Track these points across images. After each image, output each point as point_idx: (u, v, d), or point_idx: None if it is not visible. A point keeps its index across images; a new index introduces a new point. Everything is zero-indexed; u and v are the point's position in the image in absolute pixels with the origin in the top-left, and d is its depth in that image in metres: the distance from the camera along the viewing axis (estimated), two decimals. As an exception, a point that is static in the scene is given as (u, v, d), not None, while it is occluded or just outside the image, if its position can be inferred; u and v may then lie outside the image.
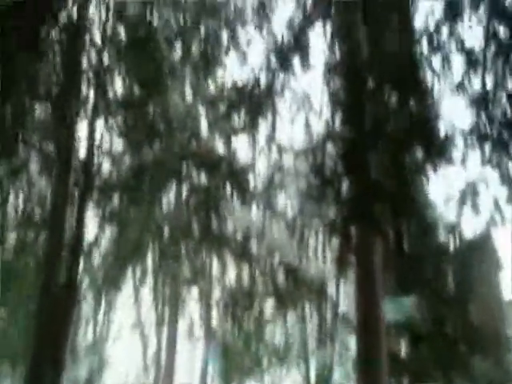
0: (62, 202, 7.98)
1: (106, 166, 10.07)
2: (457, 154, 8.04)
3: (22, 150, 9.21)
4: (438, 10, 7.72)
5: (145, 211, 10.56)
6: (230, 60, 10.33)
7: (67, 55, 8.90)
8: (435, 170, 8.22)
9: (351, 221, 7.72)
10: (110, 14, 9.44)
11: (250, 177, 10.75)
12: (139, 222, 10.67)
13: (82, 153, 8.94)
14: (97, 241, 10.85)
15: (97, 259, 11.34)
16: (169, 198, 11.78)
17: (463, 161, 8.05)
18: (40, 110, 9.26)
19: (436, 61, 7.84)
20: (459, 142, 7.92)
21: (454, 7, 7.63)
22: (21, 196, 10.36)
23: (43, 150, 9.48)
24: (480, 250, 11.01)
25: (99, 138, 9.69)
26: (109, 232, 11.08)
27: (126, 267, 11.87)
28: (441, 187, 8.83)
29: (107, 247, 11.29)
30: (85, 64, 9.25)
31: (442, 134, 8.03)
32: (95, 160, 9.35)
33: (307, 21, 8.49)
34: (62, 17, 8.86)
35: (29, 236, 10.43)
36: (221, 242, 11.55)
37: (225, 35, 10.27)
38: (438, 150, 7.95)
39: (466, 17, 7.58)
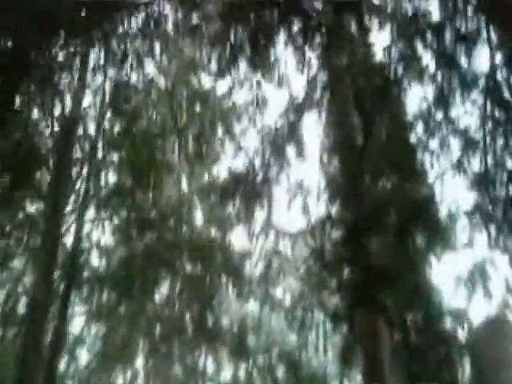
0: (44, 296, 7.52)
1: (94, 258, 9.73)
2: (461, 237, 7.80)
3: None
4: (430, 93, 7.68)
5: (135, 305, 10.04)
6: (225, 150, 10.31)
7: (59, 146, 8.78)
8: (439, 258, 7.96)
9: (355, 308, 7.29)
10: (105, 106, 9.44)
11: (247, 265, 10.39)
12: (128, 318, 10.11)
13: (68, 244, 8.61)
14: (82, 338, 10.24)
15: (82, 359, 10.66)
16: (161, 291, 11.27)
17: (468, 245, 7.80)
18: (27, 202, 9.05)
19: (433, 143, 7.73)
20: (462, 224, 7.70)
21: (445, 91, 7.61)
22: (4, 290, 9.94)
23: (29, 243, 9.18)
24: (494, 332, 10.40)
25: (88, 230, 9.45)
26: (95, 329, 10.49)
27: (114, 368, 11.13)
28: (447, 270, 8.51)
29: (94, 345, 10.63)
30: (77, 155, 9.16)
31: (444, 217, 7.81)
32: (82, 253, 9.02)
33: (301, 109, 8.48)
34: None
35: (8, 332, 9.86)
36: (216, 337, 10.94)
37: (219, 127, 10.34)
38: (440, 237, 7.72)
39: (458, 97, 7.52)
